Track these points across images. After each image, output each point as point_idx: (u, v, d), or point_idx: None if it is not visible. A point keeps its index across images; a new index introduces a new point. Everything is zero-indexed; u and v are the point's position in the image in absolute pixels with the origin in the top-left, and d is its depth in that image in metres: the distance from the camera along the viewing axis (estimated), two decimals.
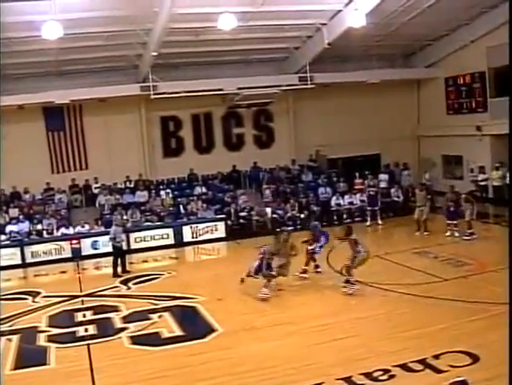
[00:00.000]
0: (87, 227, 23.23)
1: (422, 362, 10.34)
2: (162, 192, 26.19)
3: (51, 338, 13.27)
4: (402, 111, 30.17)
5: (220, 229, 23.89)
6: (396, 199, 26.17)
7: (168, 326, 13.55)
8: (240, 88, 26.39)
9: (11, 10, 17.91)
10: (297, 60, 27.23)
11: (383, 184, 27.14)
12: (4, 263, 20.66)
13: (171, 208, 25.22)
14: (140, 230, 23.10)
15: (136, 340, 12.83)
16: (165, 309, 14.88)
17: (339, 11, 23.06)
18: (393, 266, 17.09)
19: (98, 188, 26.11)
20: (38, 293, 17.34)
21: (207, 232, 23.74)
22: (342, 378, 9.97)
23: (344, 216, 25.52)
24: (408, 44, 28.62)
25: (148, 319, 14.12)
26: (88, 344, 12.70)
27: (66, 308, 15.75)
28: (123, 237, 20.41)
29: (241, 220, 24.97)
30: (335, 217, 25.50)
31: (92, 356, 12.01)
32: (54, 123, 26.25)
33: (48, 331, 13.83)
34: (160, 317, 14.28)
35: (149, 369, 11.10)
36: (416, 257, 18.33)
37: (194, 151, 28.62)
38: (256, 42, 24.84)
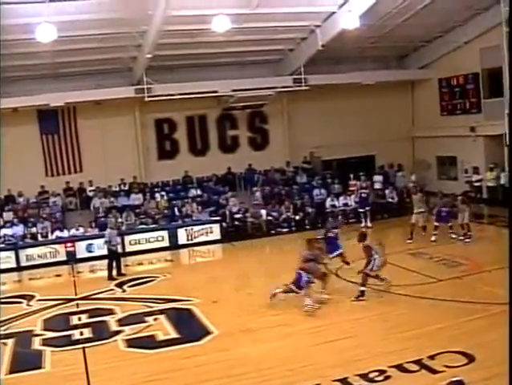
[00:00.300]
0: (81, 230, 23.20)
1: (418, 362, 10.34)
2: (157, 195, 26.16)
3: (46, 342, 13.22)
4: (396, 112, 30.23)
5: (215, 232, 23.89)
6: (390, 200, 26.25)
7: (164, 329, 13.53)
8: (234, 90, 26.40)
9: (5, 12, 17.86)
10: (291, 62, 27.26)
11: (377, 186, 27.23)
12: None
13: (166, 211, 25.20)
14: (134, 233, 23.07)
15: (132, 343, 12.80)
16: (161, 311, 14.85)
17: (333, 13, 23.13)
18: (389, 267, 17.01)
19: (92, 190, 26.06)
20: (33, 296, 17.29)
21: (202, 234, 23.73)
22: (338, 380, 9.97)
23: (339, 217, 25.49)
24: (401, 45, 28.70)
25: (144, 322, 14.10)
26: (84, 347, 12.66)
27: (61, 311, 15.71)
28: (118, 239, 20.39)
29: (236, 223, 24.95)
30: (329, 219, 25.47)
31: (88, 359, 11.98)
32: (48, 126, 26.18)
33: (43, 335, 13.79)
34: (155, 319, 14.25)
35: (145, 372, 11.07)
36: (412, 258, 18.35)
37: (189, 154, 28.59)
38: (250, 44, 24.87)
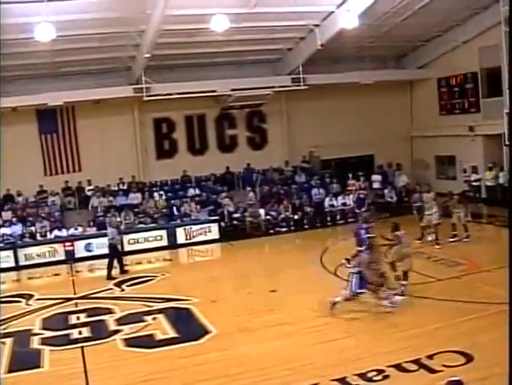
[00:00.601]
0: (80, 229, 23.19)
1: (416, 362, 10.36)
2: (155, 194, 26.15)
3: (45, 341, 13.22)
4: (395, 112, 30.23)
5: (213, 231, 23.88)
6: (389, 200, 26.28)
7: (163, 328, 13.54)
8: (233, 90, 26.39)
9: (4, 11, 17.82)
10: (290, 61, 27.27)
11: (376, 185, 27.27)
12: None
13: (164, 210, 25.19)
14: (133, 232, 23.06)
15: (131, 342, 12.81)
16: (159, 311, 14.86)
17: (332, 12, 23.10)
18: (387, 267, 17.07)
19: (91, 190, 26.05)
20: (32, 295, 17.30)
21: (201, 233, 23.73)
22: (337, 379, 9.99)
23: (338, 217, 25.58)
24: (400, 45, 28.68)
25: (142, 321, 14.10)
26: (82, 347, 12.66)
27: (59, 311, 15.72)
28: (119, 238, 20.42)
29: (235, 222, 24.96)
30: (328, 218, 25.58)
31: (86, 359, 11.98)
32: (47, 125, 26.17)
33: (42, 334, 13.79)
34: (154, 319, 14.26)
35: (143, 371, 11.07)
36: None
37: (187, 153, 28.58)
38: (249, 43, 24.86)
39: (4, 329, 14.17)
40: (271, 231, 24.71)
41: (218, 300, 15.43)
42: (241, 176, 28.21)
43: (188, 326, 13.86)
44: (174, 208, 25.27)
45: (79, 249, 22.22)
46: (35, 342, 13.21)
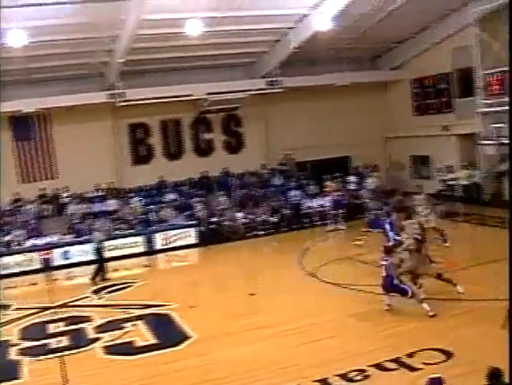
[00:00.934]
0: (57, 237, 22.97)
1: (396, 361, 10.42)
2: (132, 200, 25.99)
3: (23, 352, 13.10)
4: (371, 113, 30.35)
5: (191, 236, 23.83)
6: (366, 201, 26.38)
7: (142, 335, 13.47)
8: (209, 93, 26.35)
9: None
10: (265, 64, 27.29)
11: (352, 186, 27.40)
12: None
13: (141, 216, 25.06)
14: (111, 239, 22.87)
15: (110, 350, 12.73)
16: (138, 317, 14.78)
17: (306, 15, 23.19)
18: (365, 267, 17.19)
19: (68, 197, 25.80)
20: (9, 306, 17.09)
21: (178, 239, 23.66)
22: (318, 380, 10.01)
23: (315, 218, 25.66)
24: (375, 47, 28.84)
25: (122, 328, 14.02)
26: (62, 356, 12.56)
27: (38, 320, 15.56)
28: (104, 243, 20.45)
29: (213, 226, 24.90)
30: (306, 220, 25.65)
31: (66, 368, 11.87)
32: (21, 132, 25.86)
33: (20, 344, 13.64)
34: (133, 326, 14.18)
35: (124, 379, 11.02)
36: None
37: (164, 158, 28.42)
38: (224, 47, 24.81)
39: None
40: (249, 234, 24.69)
41: (197, 305, 15.35)
42: (217, 180, 28.12)
43: (167, 332, 13.79)
44: (151, 214, 25.14)
45: (57, 257, 22.02)
46: (14, 353, 13.06)
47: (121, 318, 14.91)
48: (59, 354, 12.68)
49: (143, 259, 22.50)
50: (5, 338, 14.09)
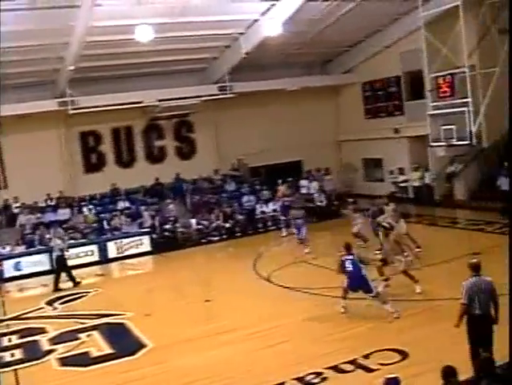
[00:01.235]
0: (8, 248, 22.51)
1: (353, 362, 10.52)
2: (85, 209, 25.63)
3: None
4: (322, 117, 30.64)
5: (145, 243, 23.62)
6: (319, 204, 26.62)
7: (97, 345, 13.29)
8: (160, 100, 26.23)
9: None
10: (216, 70, 27.32)
11: (304, 190, 27.59)
12: None
13: (94, 225, 24.72)
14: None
15: (65, 361, 12.52)
16: (93, 327, 14.58)
17: (256, 20, 23.29)
18: (320, 270, 17.30)
19: (18, 207, 25.31)
20: None
21: (132, 247, 23.43)
22: None
23: (269, 223, 25.73)
24: (325, 51, 29.18)
25: (77, 339, 13.80)
26: (15, 369, 12.29)
27: None
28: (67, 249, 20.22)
29: (166, 233, 24.74)
30: (260, 225, 25.70)
31: (20, 381, 11.65)
32: None
33: None
34: (88, 336, 13.97)
35: None
36: None
37: (116, 166, 28.17)
38: (175, 53, 24.74)
39: None
40: (203, 240, 24.60)
41: (153, 313, 15.22)
42: (170, 186, 27.95)
43: (123, 341, 13.63)
44: (104, 222, 24.86)
45: (8, 268, 21.54)
46: None
47: (76, 328, 14.67)
48: (13, 367, 12.41)
49: (97, 268, 22.17)
50: None
